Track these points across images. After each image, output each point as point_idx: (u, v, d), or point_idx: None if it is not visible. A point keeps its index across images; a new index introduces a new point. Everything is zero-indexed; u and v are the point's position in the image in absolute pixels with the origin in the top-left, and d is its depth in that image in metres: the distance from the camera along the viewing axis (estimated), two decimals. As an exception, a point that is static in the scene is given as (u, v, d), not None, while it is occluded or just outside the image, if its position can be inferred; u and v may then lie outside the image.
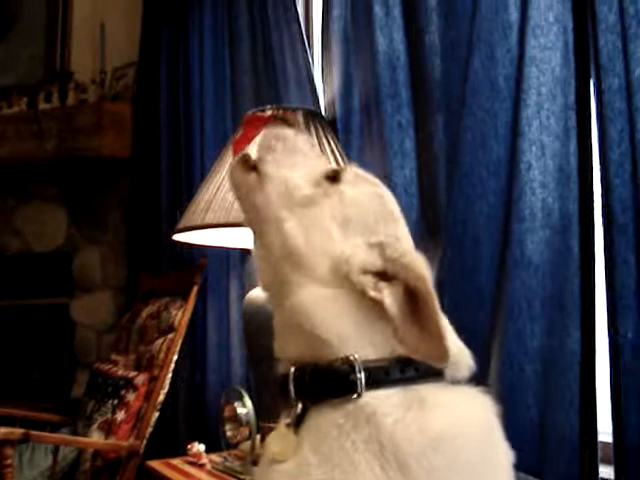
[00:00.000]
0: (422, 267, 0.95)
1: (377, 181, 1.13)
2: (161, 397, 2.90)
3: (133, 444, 2.82)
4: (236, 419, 2.34)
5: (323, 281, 0.98)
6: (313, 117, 2.41)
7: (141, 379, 2.94)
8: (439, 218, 2.15)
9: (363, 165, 2.46)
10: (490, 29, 1.91)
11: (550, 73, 1.77)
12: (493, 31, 1.90)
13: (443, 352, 0.91)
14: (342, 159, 2.34)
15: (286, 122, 1.15)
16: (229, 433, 2.41)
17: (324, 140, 2.36)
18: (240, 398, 2.33)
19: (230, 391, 2.46)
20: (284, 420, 0.99)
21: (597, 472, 1.70)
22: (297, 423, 0.96)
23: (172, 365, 2.92)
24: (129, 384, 2.94)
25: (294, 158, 1.09)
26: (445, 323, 0.95)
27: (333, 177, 1.07)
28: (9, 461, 2.56)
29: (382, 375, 0.94)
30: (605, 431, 1.74)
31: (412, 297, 0.94)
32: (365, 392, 0.93)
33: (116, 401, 2.94)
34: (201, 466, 2.47)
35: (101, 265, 4.12)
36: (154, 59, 3.74)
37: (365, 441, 0.89)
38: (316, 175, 1.07)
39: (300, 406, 0.97)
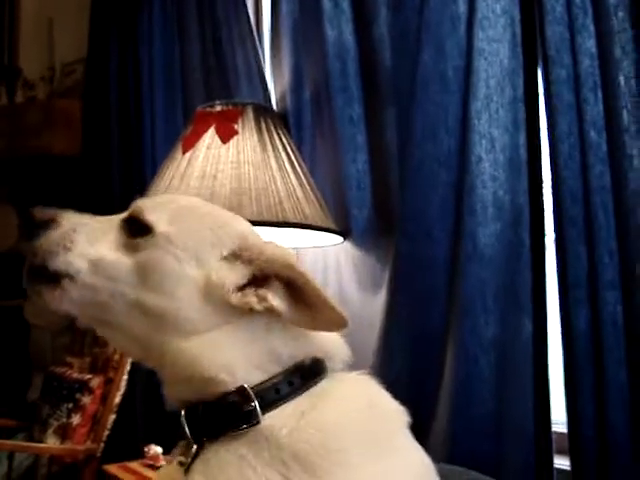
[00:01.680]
0: (283, 255, 0.98)
1: (171, 195, 1.11)
2: (117, 399, 2.87)
3: (90, 448, 2.78)
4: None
5: (202, 326, 0.96)
6: (264, 112, 2.38)
7: (96, 382, 2.90)
8: (392, 213, 2.14)
9: (315, 159, 2.49)
10: (439, 21, 1.89)
11: (498, 65, 1.76)
12: (442, 23, 1.88)
13: (340, 317, 0.95)
14: (294, 153, 2.32)
15: (53, 218, 1.04)
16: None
17: (275, 135, 2.33)
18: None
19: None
20: (177, 458, 0.98)
21: (552, 462, 1.71)
22: (192, 460, 0.95)
23: (127, 366, 2.88)
24: (84, 387, 2.90)
25: (92, 238, 1.02)
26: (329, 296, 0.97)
27: (140, 227, 1.01)
28: (-38, 469, 2.51)
29: (274, 395, 0.95)
30: (560, 421, 1.75)
31: (289, 286, 0.96)
32: (261, 417, 0.93)
33: (71, 405, 2.90)
34: (158, 469, 2.44)
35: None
36: (103, 56, 3.66)
37: (268, 464, 0.90)
38: (122, 238, 1.02)
39: (195, 446, 0.96)
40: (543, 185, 1.73)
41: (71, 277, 0.98)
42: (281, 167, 2.26)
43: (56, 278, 0.99)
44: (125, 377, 2.87)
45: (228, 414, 0.93)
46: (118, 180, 3.46)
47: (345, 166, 2.29)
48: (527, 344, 1.72)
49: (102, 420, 2.83)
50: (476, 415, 1.80)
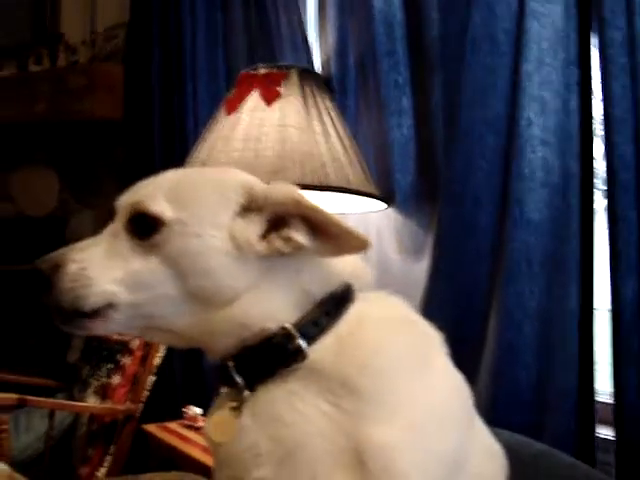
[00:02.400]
0: (289, 193, 0.97)
1: (150, 179, 1.07)
2: (157, 360, 2.89)
3: (129, 408, 2.81)
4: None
5: (239, 289, 0.96)
6: (308, 76, 2.36)
7: (136, 343, 2.92)
8: (437, 178, 2.12)
9: (358, 124, 2.46)
10: (490, -18, 1.86)
11: (551, 27, 1.73)
12: (493, -16, 1.84)
13: (361, 239, 0.95)
14: (337, 118, 2.30)
15: (58, 262, 0.97)
16: (226, 396, 2.40)
17: (319, 99, 2.31)
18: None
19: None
20: (227, 403, 0.98)
21: (593, 431, 1.69)
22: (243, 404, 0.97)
23: (168, 329, 2.90)
24: (125, 348, 2.93)
25: (106, 261, 0.98)
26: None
27: (146, 227, 0.97)
28: (4, 426, 2.55)
29: (314, 329, 0.96)
30: (604, 392, 1.73)
31: (305, 220, 0.96)
32: (307, 351, 0.95)
33: (112, 365, 2.93)
34: (197, 429, 2.46)
35: (95, 230, 4.04)
36: (145, 19, 3.65)
37: (316, 395, 0.93)
38: (129, 247, 0.98)
39: (247, 391, 0.96)
40: (594, 150, 1.70)
41: (111, 305, 0.96)
42: (325, 131, 2.24)
43: (95, 312, 0.97)
44: (165, 339, 2.89)
45: (276, 355, 0.95)
46: (160, 144, 3.47)
47: (389, 131, 2.26)
48: (573, 313, 1.70)
49: (141, 381, 2.85)
50: (518, 382, 1.78)
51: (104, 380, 2.92)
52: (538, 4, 1.74)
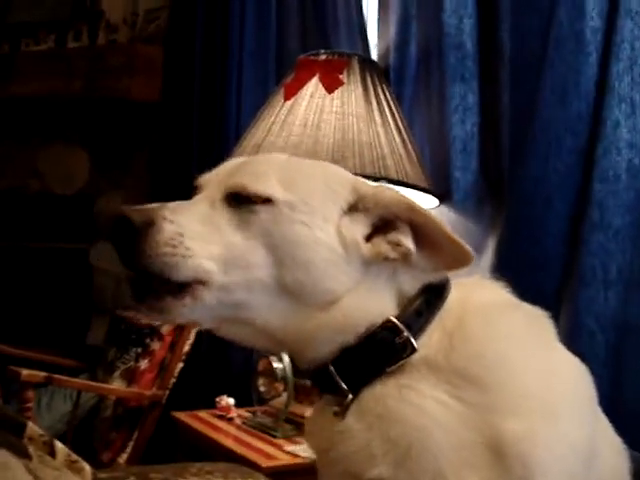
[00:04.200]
0: (399, 197, 0.93)
1: (258, 156, 1.04)
2: (186, 348, 2.83)
3: (156, 394, 2.76)
4: (270, 374, 2.26)
5: (339, 291, 0.90)
6: (369, 65, 2.31)
7: (167, 328, 2.86)
8: (502, 176, 2.06)
9: (415, 117, 2.40)
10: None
11: (646, 26, 1.67)
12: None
13: (466, 253, 0.90)
14: (396, 109, 2.24)
15: (151, 223, 0.87)
16: (262, 388, 2.33)
17: (379, 89, 2.25)
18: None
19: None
20: (331, 408, 0.94)
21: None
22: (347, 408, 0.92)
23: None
24: (155, 332, 2.87)
25: (203, 232, 0.90)
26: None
27: (249, 206, 0.91)
28: (30, 404, 2.50)
29: (418, 320, 0.92)
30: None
31: (411, 227, 0.92)
32: (417, 345, 0.90)
33: (140, 349, 2.88)
34: (230, 420, 2.40)
35: (123, 211, 4.00)
36: (190, 1, 3.60)
37: (433, 386, 0.88)
38: (233, 217, 0.91)
39: (350, 396, 0.91)
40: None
41: (204, 282, 0.87)
42: (385, 122, 2.19)
43: (182, 288, 0.87)
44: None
45: (382, 352, 0.90)
46: (198, 128, 3.40)
47: (452, 127, 2.20)
48: (651, 323, 1.63)
49: (170, 367, 2.80)
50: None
51: (131, 364, 2.87)
52: (634, 2, 1.68)
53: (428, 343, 0.91)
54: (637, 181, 1.67)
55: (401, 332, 0.90)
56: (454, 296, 0.95)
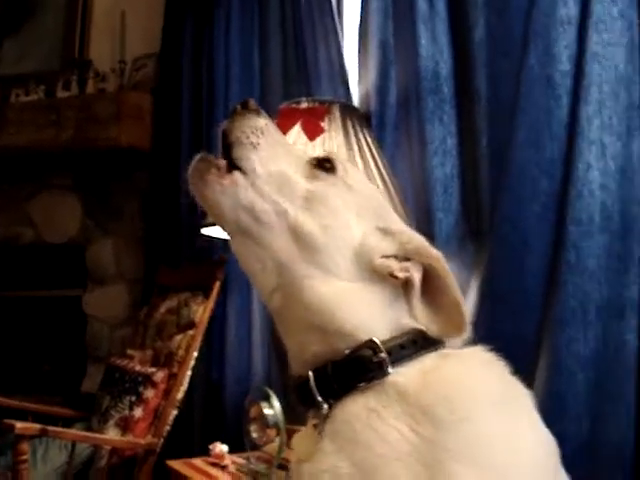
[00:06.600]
0: (432, 248, 1.02)
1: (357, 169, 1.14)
2: (180, 395, 2.83)
3: (151, 442, 2.75)
4: (262, 420, 2.27)
5: (341, 273, 0.99)
6: (350, 111, 2.34)
7: (160, 375, 2.86)
8: (482, 219, 2.08)
9: (397, 161, 2.43)
10: (547, 24, 1.83)
11: (613, 70, 1.70)
12: (550, 26, 1.82)
13: (463, 323, 0.97)
14: (378, 154, 2.27)
15: (257, 112, 1.07)
16: (254, 434, 2.34)
17: (360, 135, 2.29)
18: (266, 398, 2.26)
19: (256, 390, 2.38)
20: (311, 421, 0.99)
21: (652, 489, 1.63)
22: (323, 422, 0.97)
23: (192, 362, 2.85)
24: (148, 380, 2.86)
25: (275, 150, 1.05)
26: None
27: (326, 166, 1.05)
28: (25, 457, 2.49)
29: (400, 350, 0.96)
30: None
31: (425, 277, 1.00)
32: (390, 370, 0.95)
33: (134, 397, 2.87)
34: (223, 467, 2.40)
35: (115, 257, 4.03)
36: (176, 50, 3.66)
37: (397, 417, 0.91)
38: (304, 165, 1.06)
39: (326, 406, 0.97)
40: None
41: (245, 173, 1.01)
42: (367, 167, 2.22)
43: (230, 169, 1.02)
44: (189, 373, 2.84)
45: (357, 366, 0.95)
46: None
47: (432, 169, 2.23)
48: (630, 362, 1.65)
49: (164, 415, 2.79)
50: (568, 435, 1.72)
51: (126, 412, 2.85)
52: (599, 46, 1.71)
53: (403, 373, 0.95)
54: (611, 223, 1.69)
55: (379, 352, 0.95)
56: (445, 351, 1.00)
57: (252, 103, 1.06)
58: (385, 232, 1.02)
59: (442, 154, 2.23)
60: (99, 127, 3.76)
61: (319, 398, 0.97)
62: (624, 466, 1.63)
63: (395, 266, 0.98)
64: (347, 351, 0.96)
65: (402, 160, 2.44)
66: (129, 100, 3.85)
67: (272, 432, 2.24)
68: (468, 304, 2.05)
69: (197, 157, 1.06)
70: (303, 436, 1.00)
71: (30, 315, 4.25)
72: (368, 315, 0.98)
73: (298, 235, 0.99)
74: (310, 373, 0.98)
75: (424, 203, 2.30)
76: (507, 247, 1.90)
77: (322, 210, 1.00)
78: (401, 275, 0.98)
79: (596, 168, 1.71)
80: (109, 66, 4.06)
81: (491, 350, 1.01)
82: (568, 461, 1.69)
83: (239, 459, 2.43)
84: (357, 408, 0.93)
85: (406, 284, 0.98)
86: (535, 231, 1.85)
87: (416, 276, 0.98)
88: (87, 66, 4.10)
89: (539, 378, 1.79)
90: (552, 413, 1.74)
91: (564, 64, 1.81)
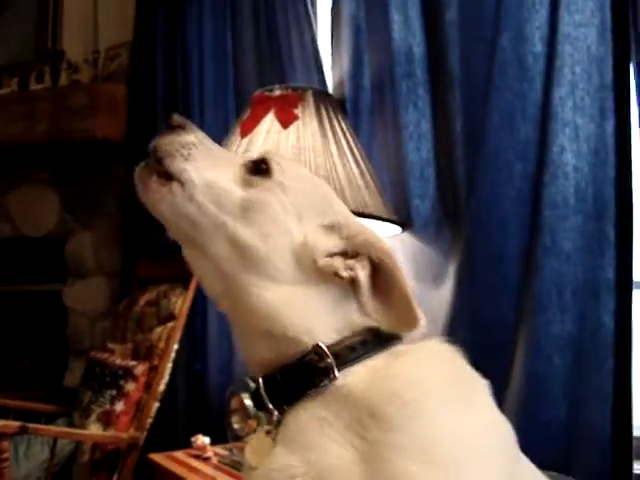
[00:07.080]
0: (380, 241, 0.99)
1: (297, 163, 1.11)
2: (161, 387, 2.81)
3: (133, 436, 2.73)
4: (243, 411, 2.26)
5: (286, 279, 0.97)
6: (323, 97, 2.32)
7: (141, 369, 2.84)
8: (459, 202, 2.07)
9: (373, 147, 2.41)
10: (518, 5, 1.82)
11: (585, 51, 1.69)
12: (522, 6, 1.81)
13: (414, 318, 0.94)
14: (353, 140, 2.26)
15: (183, 127, 1.05)
16: (236, 425, 2.33)
17: (335, 121, 2.27)
18: (247, 389, 2.25)
19: (237, 382, 2.37)
20: (264, 427, 0.98)
21: (631, 468, 1.63)
22: (276, 428, 0.96)
23: (172, 355, 2.83)
24: (128, 374, 2.85)
25: (210, 160, 1.03)
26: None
27: (260, 170, 1.03)
28: (6, 455, 2.47)
29: (348, 353, 0.95)
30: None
31: (375, 273, 0.97)
32: (338, 374, 0.93)
33: (115, 391, 2.85)
34: (206, 459, 2.38)
35: (94, 250, 4.00)
36: (149, 39, 3.61)
37: (347, 426, 0.89)
38: (240, 172, 1.04)
39: (276, 413, 0.96)
40: (632, 177, 1.65)
41: (182, 183, 1.00)
42: (342, 154, 2.20)
43: (169, 177, 1.00)
44: (170, 365, 2.82)
45: (305, 373, 0.93)
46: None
47: (408, 154, 2.22)
48: (607, 343, 1.65)
49: (146, 408, 2.78)
50: (547, 417, 1.73)
51: (107, 407, 2.84)
52: (571, 27, 1.70)
53: (352, 377, 0.93)
54: (585, 205, 1.69)
55: (325, 357, 0.93)
56: (399, 347, 0.97)
57: (176, 118, 1.05)
58: (330, 229, 1.00)
59: (417, 139, 2.21)
60: (74, 119, 3.71)
61: (269, 405, 0.96)
62: (602, 447, 1.63)
63: (339, 265, 0.96)
64: (296, 357, 0.95)
65: (378, 146, 2.42)
66: (103, 91, 3.80)
67: (253, 423, 2.24)
68: (444, 290, 2.05)
69: (141, 163, 1.04)
70: (254, 442, 0.98)
71: (10, 310, 4.21)
72: (314, 318, 0.96)
73: (239, 247, 0.98)
74: (260, 380, 0.98)
75: (401, 189, 2.29)
76: (483, 231, 1.89)
77: (260, 218, 0.99)
78: (345, 274, 0.96)
79: (570, 150, 1.70)
80: (82, 56, 4.01)
81: (449, 340, 0.99)
82: (548, 442, 1.71)
83: (222, 450, 2.42)
84: (308, 418, 0.92)
85: (353, 282, 0.96)
86: (511, 214, 1.84)
87: (361, 274, 0.96)
88: (60, 57, 4.05)
89: (517, 361, 1.79)
90: (531, 395, 1.75)
91: (536, 45, 1.80)
